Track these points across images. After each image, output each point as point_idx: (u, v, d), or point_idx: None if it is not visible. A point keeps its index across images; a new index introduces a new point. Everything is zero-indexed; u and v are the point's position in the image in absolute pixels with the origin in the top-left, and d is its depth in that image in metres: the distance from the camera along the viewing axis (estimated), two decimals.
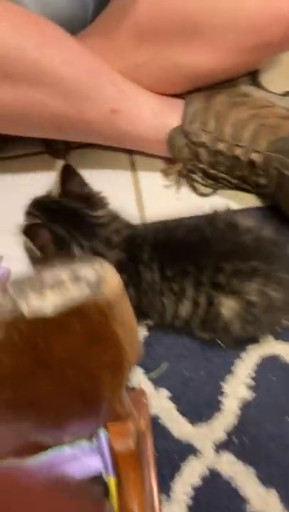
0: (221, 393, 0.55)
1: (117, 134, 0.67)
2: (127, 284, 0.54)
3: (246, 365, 0.56)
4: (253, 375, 0.55)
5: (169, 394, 0.56)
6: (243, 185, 0.66)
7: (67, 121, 0.65)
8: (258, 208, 0.68)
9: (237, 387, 0.55)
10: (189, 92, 0.69)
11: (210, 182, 0.70)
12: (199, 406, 0.55)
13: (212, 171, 0.67)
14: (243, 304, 0.51)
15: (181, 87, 0.68)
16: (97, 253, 0.53)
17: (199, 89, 0.68)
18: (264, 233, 0.54)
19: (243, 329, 0.53)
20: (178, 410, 0.55)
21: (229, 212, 0.57)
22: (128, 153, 0.78)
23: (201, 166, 0.67)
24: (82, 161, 0.79)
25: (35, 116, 0.63)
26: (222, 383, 0.55)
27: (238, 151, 0.62)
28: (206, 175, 0.69)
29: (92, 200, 0.57)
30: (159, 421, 0.54)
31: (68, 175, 0.57)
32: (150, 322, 0.60)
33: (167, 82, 0.67)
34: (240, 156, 0.62)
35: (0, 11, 0.59)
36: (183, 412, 0.55)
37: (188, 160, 0.67)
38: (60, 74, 0.61)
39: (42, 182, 0.77)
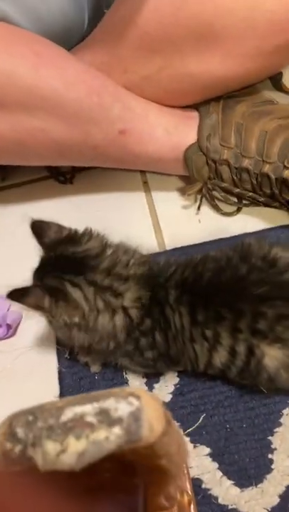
0: (271, 450, 0.48)
1: (127, 156, 0.60)
2: (152, 329, 0.48)
3: None
4: None
5: (210, 451, 0.50)
6: (273, 203, 0.59)
7: (71, 148, 0.58)
8: None
9: None
10: (203, 103, 0.62)
11: (234, 200, 0.62)
12: (246, 465, 0.48)
13: (236, 190, 0.60)
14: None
15: (193, 97, 0.61)
16: (99, 286, 0.46)
17: (214, 99, 0.61)
18: None
19: None
20: (222, 471, 0.49)
21: (264, 243, 0.49)
22: (140, 171, 0.71)
23: (224, 185, 0.60)
24: (89, 184, 0.72)
25: (35, 144, 0.57)
26: (270, 438, 0.49)
27: (266, 168, 0.55)
28: (230, 193, 0.61)
29: (76, 238, 0.49)
30: (202, 485, 0.48)
31: (40, 228, 0.50)
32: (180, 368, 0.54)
33: (177, 93, 0.60)
34: (270, 174, 0.55)
35: None
36: (228, 473, 0.48)
37: (208, 179, 0.60)
38: (60, 97, 0.54)
39: (49, 210, 0.72)
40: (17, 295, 0.45)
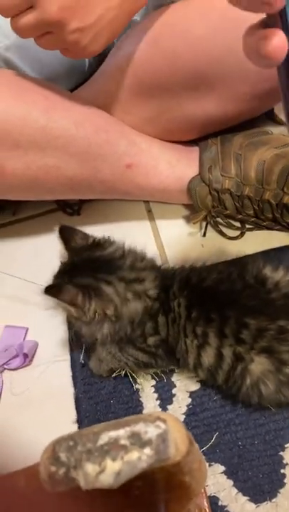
0: (283, 465, 0.50)
1: (133, 189, 0.64)
2: (157, 312, 0.51)
3: None
4: None
5: (225, 468, 0.52)
6: (275, 226, 0.62)
7: (81, 183, 0.62)
8: None
9: None
10: (202, 137, 0.66)
11: (237, 225, 0.66)
12: (260, 481, 0.50)
13: (240, 216, 0.63)
14: (276, 363, 0.47)
15: (192, 135, 0.65)
16: (128, 280, 0.50)
17: (212, 133, 0.65)
18: None
19: (279, 392, 0.48)
20: (237, 487, 0.50)
21: (259, 264, 0.53)
22: (144, 201, 0.75)
23: (227, 212, 0.63)
24: (96, 214, 0.76)
25: (48, 181, 0.60)
26: (282, 453, 0.51)
27: (267, 195, 0.59)
28: (233, 219, 0.65)
29: (100, 244, 0.55)
30: (219, 503, 0.50)
31: (67, 234, 0.55)
32: (192, 388, 0.57)
33: (177, 132, 0.64)
34: (271, 200, 0.58)
35: (1, 80, 0.57)
36: (243, 490, 0.50)
37: (212, 207, 0.64)
38: (71, 136, 0.58)
39: (58, 241, 0.76)
40: (53, 291, 0.49)
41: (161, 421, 0.22)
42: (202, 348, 0.49)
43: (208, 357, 0.49)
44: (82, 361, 0.60)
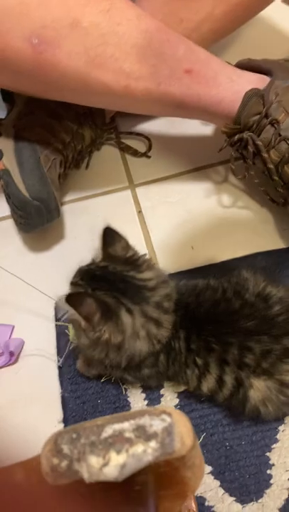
0: (269, 466, 0.51)
1: (191, 97, 0.60)
2: (159, 351, 0.49)
3: None
4: None
5: (212, 469, 0.52)
6: (278, 188, 0.61)
7: (138, 81, 0.57)
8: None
9: (286, 458, 0.51)
10: (279, 68, 0.63)
11: (250, 163, 0.64)
12: (246, 481, 0.51)
13: (264, 155, 0.60)
14: (276, 386, 0.47)
15: (241, 21, 0.71)
16: (149, 317, 0.48)
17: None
18: None
19: (279, 410, 0.48)
20: (223, 488, 0.51)
21: (259, 279, 0.51)
22: (134, 202, 0.75)
23: (258, 142, 0.60)
24: (85, 214, 0.75)
25: (104, 74, 0.56)
26: (268, 454, 0.51)
27: None
28: (254, 155, 0.62)
29: (138, 263, 0.51)
30: (206, 503, 0.50)
31: (110, 238, 0.51)
32: (180, 388, 0.56)
33: (230, 20, 0.69)
34: None
35: None
36: (229, 490, 0.50)
37: (249, 127, 0.61)
38: (133, 25, 0.54)
39: (43, 241, 0.75)
40: (74, 301, 0.46)
41: (167, 414, 0.22)
42: (203, 377, 0.49)
43: (208, 384, 0.49)
44: (61, 365, 0.60)
